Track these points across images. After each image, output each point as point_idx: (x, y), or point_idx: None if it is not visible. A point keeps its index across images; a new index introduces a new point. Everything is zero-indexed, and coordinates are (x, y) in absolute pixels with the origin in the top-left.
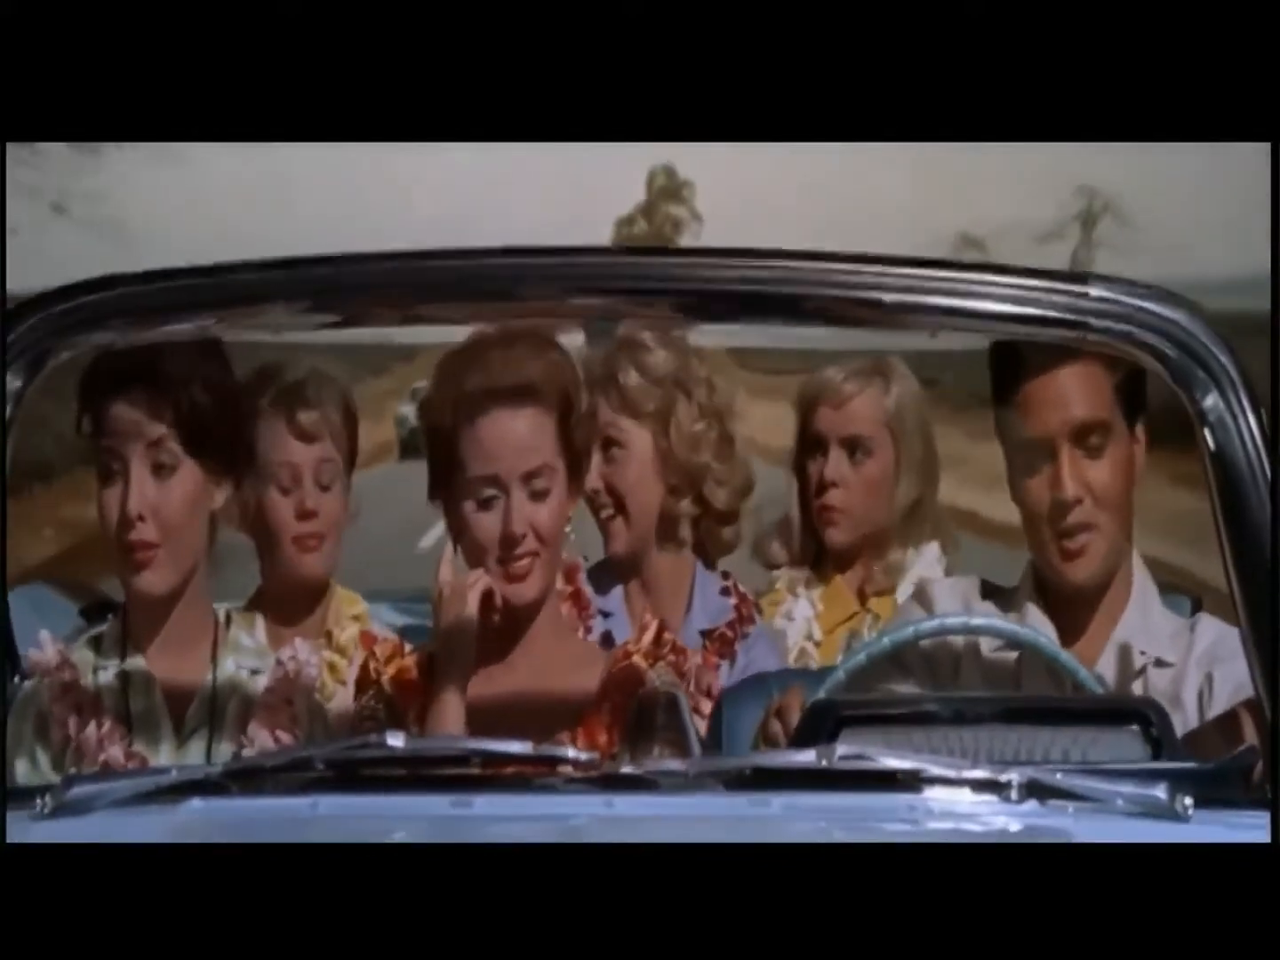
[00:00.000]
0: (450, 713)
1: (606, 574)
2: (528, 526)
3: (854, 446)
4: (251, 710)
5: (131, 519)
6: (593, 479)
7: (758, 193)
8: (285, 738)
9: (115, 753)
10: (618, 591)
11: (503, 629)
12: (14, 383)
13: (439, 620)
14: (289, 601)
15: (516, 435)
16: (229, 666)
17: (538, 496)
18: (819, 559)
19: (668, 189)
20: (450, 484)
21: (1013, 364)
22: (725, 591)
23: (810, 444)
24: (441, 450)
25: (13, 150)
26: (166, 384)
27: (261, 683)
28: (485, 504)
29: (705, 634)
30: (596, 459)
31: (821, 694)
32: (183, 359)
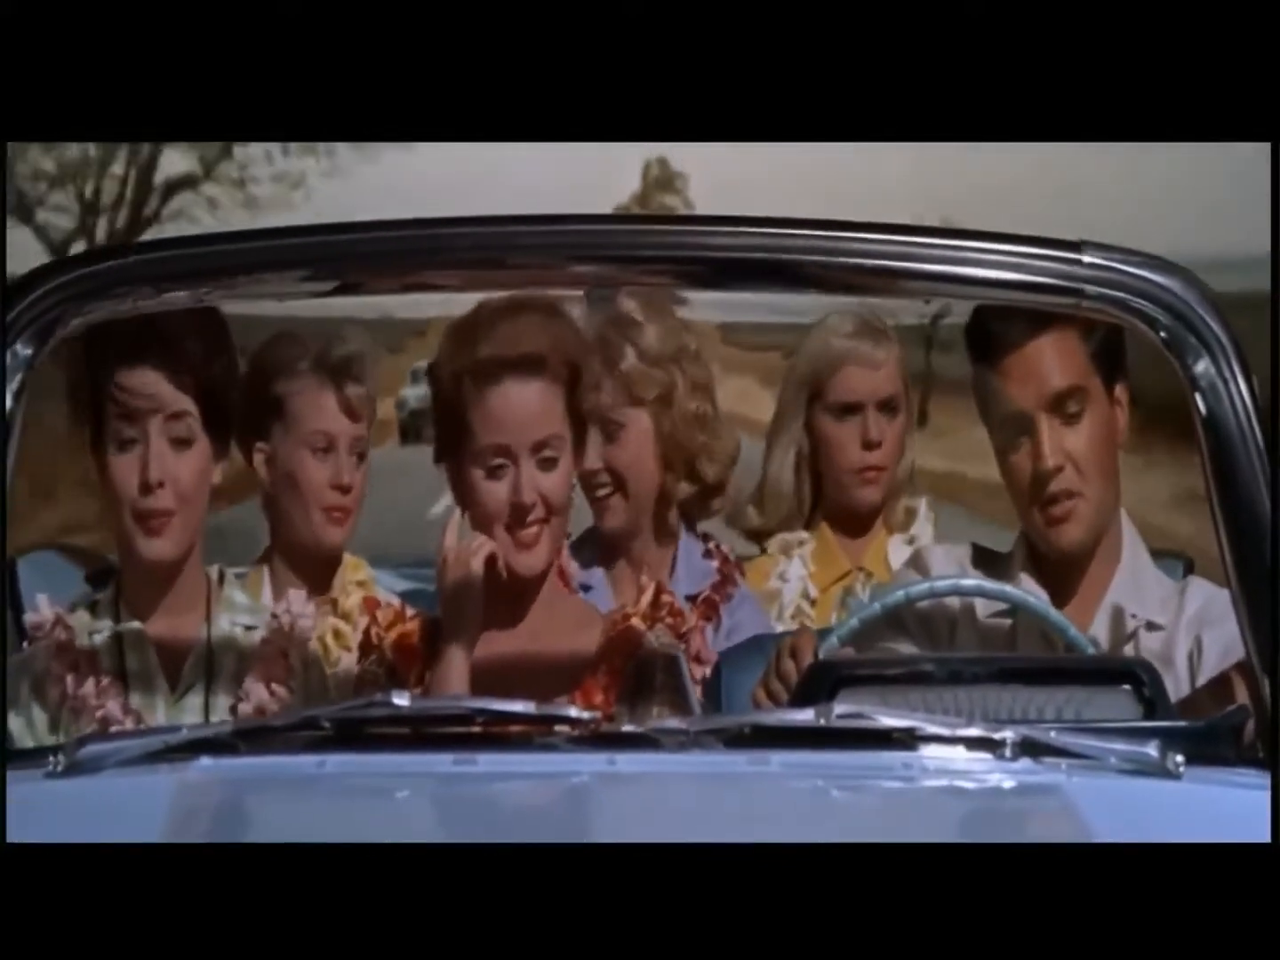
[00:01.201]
0: (455, 676)
1: (588, 547)
2: (537, 496)
3: (886, 406)
4: (247, 664)
5: (152, 485)
6: (592, 459)
7: (744, 183)
8: (281, 690)
9: (113, 708)
10: (598, 564)
11: (506, 594)
12: (24, 351)
13: (444, 586)
14: (303, 569)
15: (526, 406)
16: (224, 624)
17: (546, 465)
18: (809, 519)
19: (661, 180)
20: (457, 451)
21: (987, 340)
22: (708, 554)
23: (836, 407)
24: (449, 417)
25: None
26: (188, 359)
27: (257, 637)
28: (494, 472)
29: (690, 599)
30: (597, 439)
31: (820, 655)
32: (199, 336)
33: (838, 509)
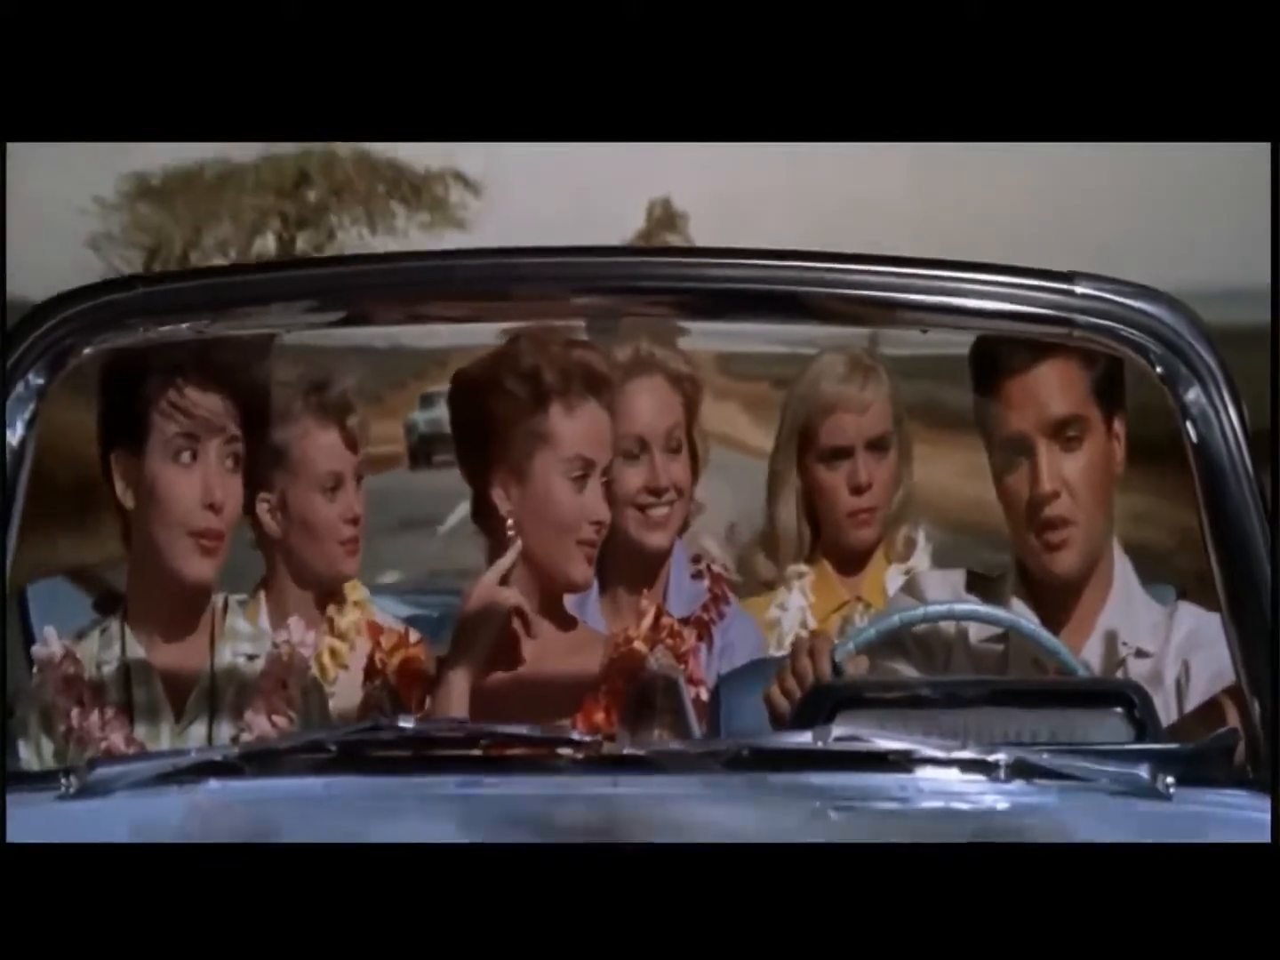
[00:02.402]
0: (456, 702)
1: None
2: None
3: (876, 446)
4: (248, 695)
5: (216, 505)
6: (660, 478)
7: (743, 224)
8: (281, 720)
9: (116, 740)
10: (592, 592)
11: (514, 642)
12: (36, 380)
13: (462, 620)
14: (310, 596)
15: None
16: (226, 654)
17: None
18: (810, 555)
19: (664, 219)
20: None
21: (991, 364)
22: (698, 575)
23: (826, 452)
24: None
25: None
26: (245, 384)
27: (258, 667)
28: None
29: (683, 621)
30: (662, 458)
31: (835, 658)
32: (256, 363)
33: (835, 548)
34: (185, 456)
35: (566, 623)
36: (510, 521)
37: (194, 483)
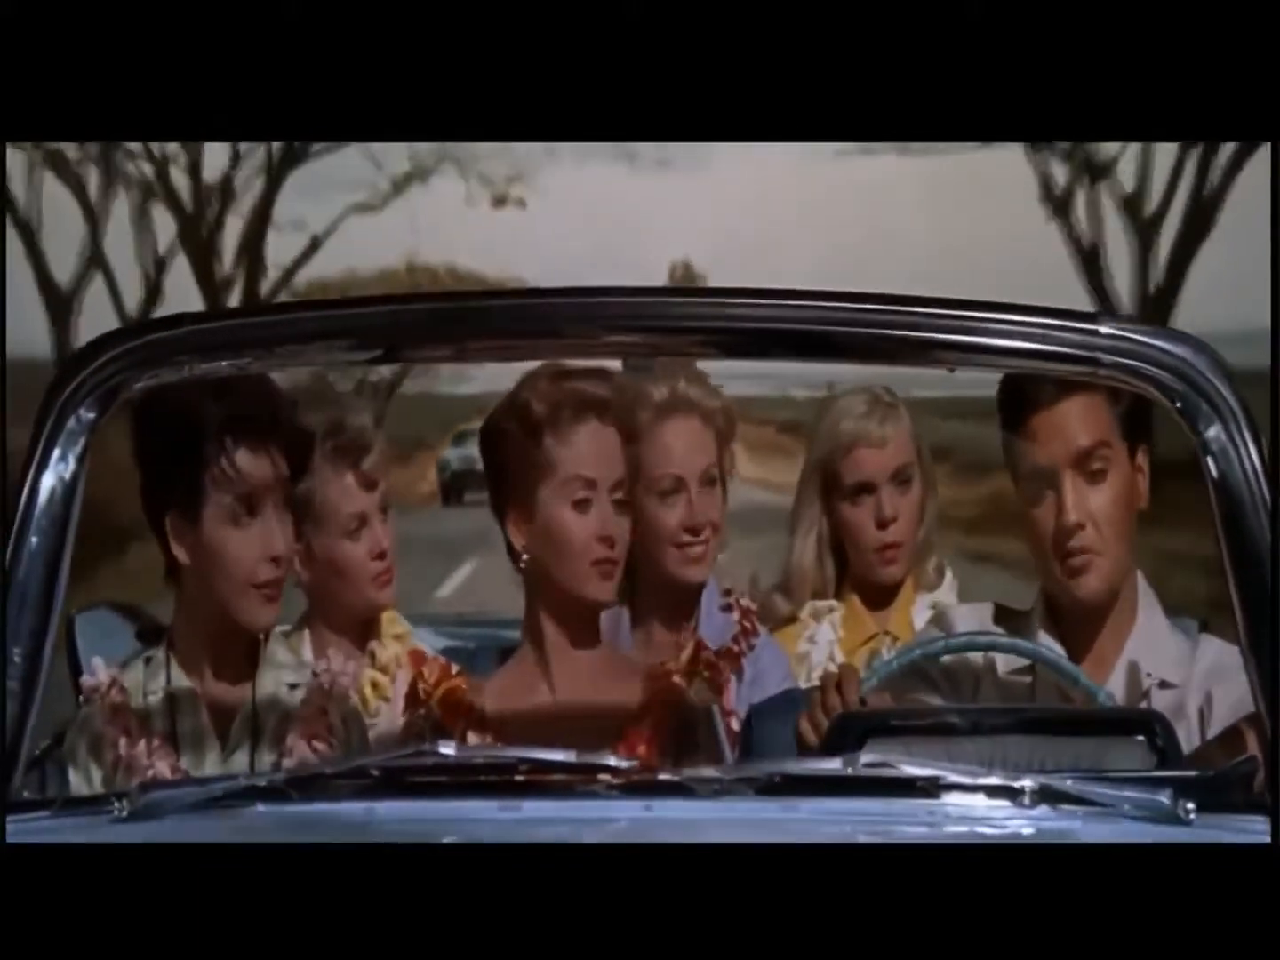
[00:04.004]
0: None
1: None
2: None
3: (898, 479)
4: (290, 722)
5: (280, 558)
6: (698, 517)
7: (757, 283)
8: (321, 746)
9: (162, 768)
10: (625, 623)
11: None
12: (88, 415)
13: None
14: (347, 630)
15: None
16: (269, 683)
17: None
18: (838, 592)
19: (686, 279)
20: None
21: (1018, 399)
22: (727, 608)
23: (850, 489)
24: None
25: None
26: (287, 438)
27: (299, 696)
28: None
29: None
30: (698, 496)
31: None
32: (293, 413)
33: (863, 584)
34: (244, 519)
35: (598, 645)
36: (525, 556)
37: (255, 540)
